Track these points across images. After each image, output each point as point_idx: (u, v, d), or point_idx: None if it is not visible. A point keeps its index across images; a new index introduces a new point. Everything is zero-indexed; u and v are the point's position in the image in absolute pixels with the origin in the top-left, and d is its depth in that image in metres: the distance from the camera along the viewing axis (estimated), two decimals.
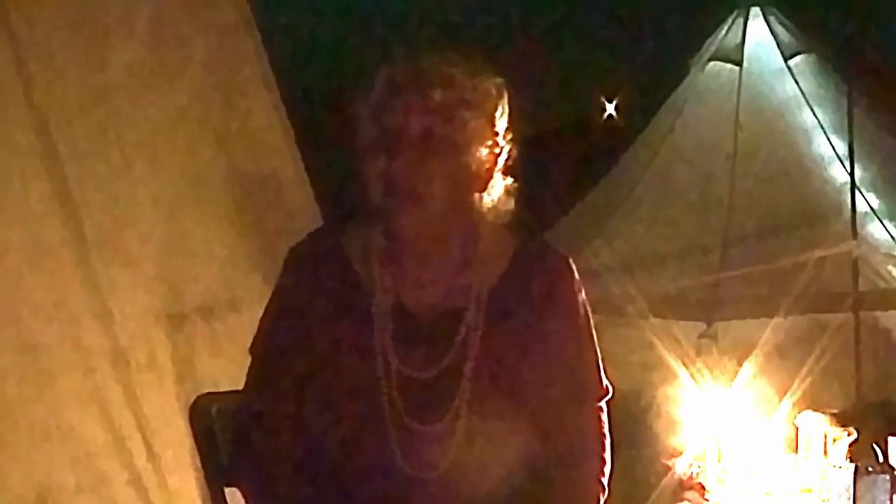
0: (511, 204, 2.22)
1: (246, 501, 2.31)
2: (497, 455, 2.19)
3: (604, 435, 2.29)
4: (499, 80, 2.19)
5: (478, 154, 2.16)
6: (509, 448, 2.20)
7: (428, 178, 2.12)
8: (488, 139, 2.17)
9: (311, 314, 2.20)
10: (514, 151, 2.21)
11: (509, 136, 2.20)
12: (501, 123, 2.19)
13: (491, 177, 2.19)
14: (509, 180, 2.22)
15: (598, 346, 2.28)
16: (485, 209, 2.20)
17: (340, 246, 2.24)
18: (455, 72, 2.14)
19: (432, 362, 2.16)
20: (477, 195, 2.19)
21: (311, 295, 2.21)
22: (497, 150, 2.18)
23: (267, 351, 2.25)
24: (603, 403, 2.29)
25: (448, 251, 2.20)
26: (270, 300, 2.28)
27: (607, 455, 2.28)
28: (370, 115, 2.16)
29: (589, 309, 2.26)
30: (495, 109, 2.17)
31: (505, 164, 2.20)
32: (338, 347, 2.18)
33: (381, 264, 2.20)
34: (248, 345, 2.31)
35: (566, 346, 2.23)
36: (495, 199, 2.21)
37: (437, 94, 2.11)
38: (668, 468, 4.35)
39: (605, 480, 2.27)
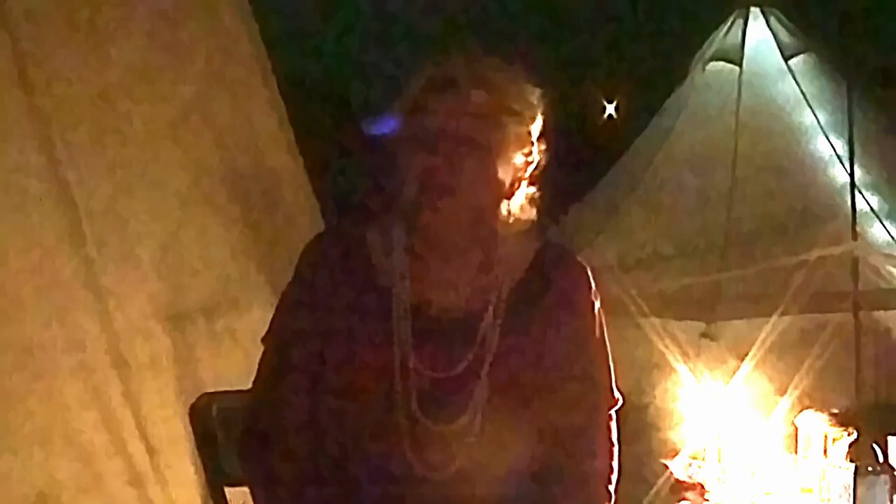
0: (533, 213, 2.23)
1: (253, 497, 2.30)
2: (508, 458, 2.20)
3: (612, 443, 2.29)
4: (539, 89, 2.20)
5: (513, 161, 2.17)
6: (520, 451, 2.20)
7: (464, 179, 2.13)
8: (525, 147, 2.18)
9: (328, 307, 2.19)
10: (544, 161, 2.22)
11: (543, 147, 2.21)
12: (536, 131, 2.20)
13: (519, 184, 2.20)
14: (532, 189, 2.23)
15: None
16: (508, 215, 2.21)
17: (362, 240, 2.23)
18: (499, 76, 2.15)
19: (449, 363, 2.16)
20: (504, 201, 2.20)
21: (329, 288, 2.20)
22: (530, 159, 2.20)
23: (281, 343, 2.24)
24: (613, 412, 2.30)
25: (470, 253, 2.21)
26: (287, 290, 2.27)
27: (615, 463, 2.29)
28: (410, 110, 2.16)
29: (604, 318, 2.27)
30: (534, 118, 2.19)
31: (532, 173, 2.21)
32: (354, 343, 2.18)
33: (402, 262, 2.20)
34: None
35: (580, 354, 2.24)
36: (518, 207, 2.22)
37: (481, 98, 2.12)
38: (667, 466, 4.36)
39: (611, 488, 2.28)
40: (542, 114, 2.20)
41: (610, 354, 2.28)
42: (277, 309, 2.28)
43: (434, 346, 2.17)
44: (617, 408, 2.30)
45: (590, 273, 2.27)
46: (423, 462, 2.15)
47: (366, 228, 2.25)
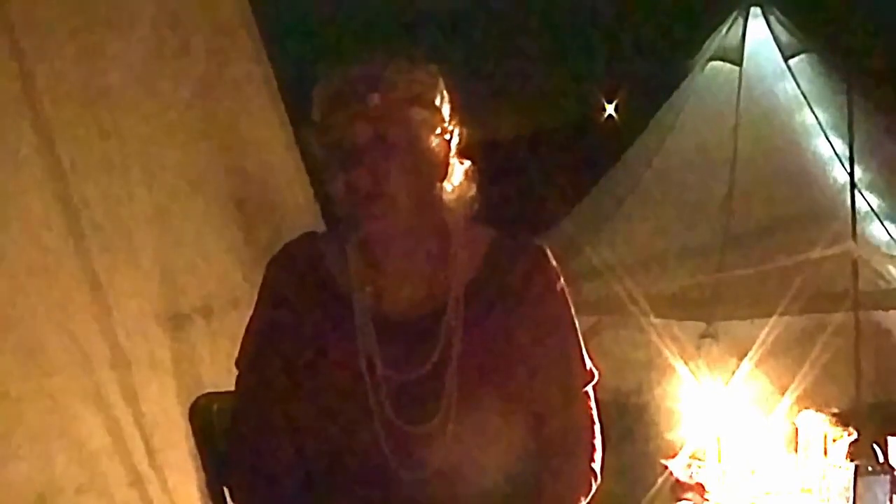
0: (474, 189, 2.23)
1: None
2: (489, 450, 2.19)
3: (593, 421, 2.28)
4: (432, 66, 2.19)
5: (431, 145, 2.16)
6: (500, 442, 2.20)
7: (390, 181, 2.12)
8: (437, 127, 2.16)
9: (293, 324, 2.21)
10: (465, 133, 2.21)
11: (456, 119, 2.20)
12: (445, 108, 2.18)
13: (448, 163, 2.19)
14: (467, 163, 2.23)
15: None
16: (450, 198, 2.21)
17: (318, 254, 2.25)
18: (390, 71, 2.13)
19: (417, 363, 2.17)
20: (439, 185, 2.19)
21: (292, 305, 2.22)
22: (448, 136, 2.18)
23: (253, 364, 2.26)
24: (589, 389, 2.29)
25: (422, 249, 2.20)
26: (253, 313, 2.29)
27: (597, 441, 2.28)
28: (319, 129, 2.16)
29: (568, 296, 2.26)
30: (436, 97, 2.17)
31: (458, 148, 2.21)
32: (323, 356, 2.19)
33: (358, 269, 2.21)
34: None
35: (549, 335, 2.23)
36: (456, 185, 2.21)
37: (381, 98, 2.11)
38: (667, 467, 4.35)
39: (596, 467, 2.26)
40: (443, 87, 2.18)
41: (579, 331, 2.26)
42: (247, 328, 2.29)
43: (400, 348, 2.17)
44: (593, 383, 2.29)
45: (549, 252, 2.26)
46: (405, 463, 2.15)
47: (321, 240, 2.27)
